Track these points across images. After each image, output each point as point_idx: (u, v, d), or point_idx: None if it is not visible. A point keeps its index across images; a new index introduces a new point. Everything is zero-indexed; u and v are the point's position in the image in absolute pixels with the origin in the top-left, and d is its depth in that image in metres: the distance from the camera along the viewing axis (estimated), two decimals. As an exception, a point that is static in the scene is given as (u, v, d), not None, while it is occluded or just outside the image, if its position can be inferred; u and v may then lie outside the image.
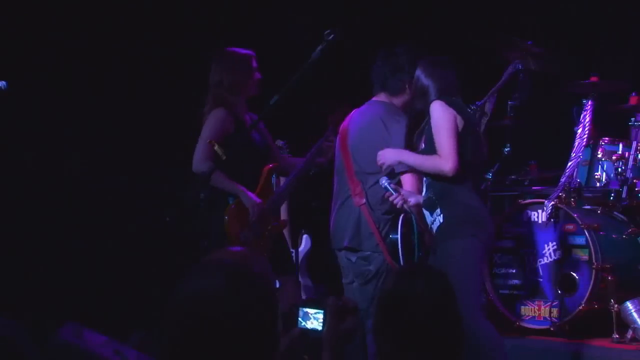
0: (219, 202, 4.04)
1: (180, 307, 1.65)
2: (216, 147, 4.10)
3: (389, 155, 3.69)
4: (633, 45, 5.13)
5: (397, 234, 3.79)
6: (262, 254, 4.00)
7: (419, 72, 3.69)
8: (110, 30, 5.17)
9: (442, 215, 3.60)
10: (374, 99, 4.03)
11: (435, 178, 3.62)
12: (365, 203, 3.85)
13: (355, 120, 3.99)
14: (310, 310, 2.20)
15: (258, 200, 3.99)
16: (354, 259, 3.89)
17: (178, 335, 1.65)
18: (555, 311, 4.49)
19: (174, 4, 5.42)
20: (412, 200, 3.72)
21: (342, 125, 4.05)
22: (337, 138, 4.04)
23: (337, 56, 4.14)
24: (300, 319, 2.21)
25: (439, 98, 3.61)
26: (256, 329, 1.66)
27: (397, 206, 3.69)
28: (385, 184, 3.71)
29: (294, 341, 2.20)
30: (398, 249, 3.77)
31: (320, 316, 2.18)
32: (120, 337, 3.92)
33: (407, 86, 3.90)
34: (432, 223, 3.65)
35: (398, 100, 3.98)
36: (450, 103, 3.60)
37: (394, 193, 3.69)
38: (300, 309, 2.21)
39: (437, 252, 3.62)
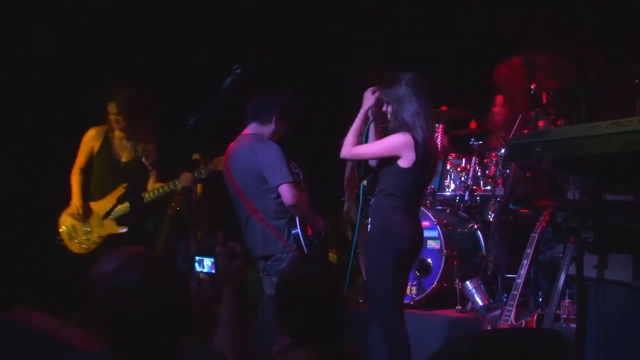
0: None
1: (117, 294, 1.72)
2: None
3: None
4: (473, 80, 5.52)
5: (296, 228, 3.90)
6: None
7: (406, 89, 3.49)
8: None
9: (370, 225, 3.64)
10: (243, 132, 4.05)
11: (378, 190, 3.58)
12: (263, 217, 3.91)
13: (232, 155, 4.02)
14: (204, 258, 2.32)
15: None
16: (269, 262, 3.95)
17: (111, 314, 1.73)
18: (414, 289, 4.76)
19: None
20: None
21: (224, 161, 4.08)
22: (224, 170, 4.07)
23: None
24: (196, 265, 2.33)
25: (407, 130, 3.45)
26: (172, 304, 1.77)
27: None
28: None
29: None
30: (300, 240, 3.88)
31: (212, 262, 2.29)
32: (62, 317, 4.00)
33: (273, 119, 3.97)
34: (368, 225, 3.69)
35: (265, 129, 4.00)
36: (414, 136, 3.45)
37: None
38: (195, 257, 2.33)
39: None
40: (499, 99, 5.35)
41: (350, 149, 3.60)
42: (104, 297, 1.73)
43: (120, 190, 4.38)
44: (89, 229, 4.47)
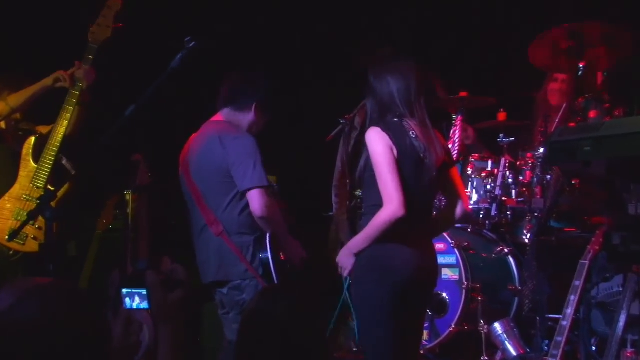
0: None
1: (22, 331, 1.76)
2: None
3: (344, 259, 3.57)
4: (501, 60, 5.55)
5: (266, 252, 3.84)
6: None
7: (395, 66, 3.57)
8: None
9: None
10: (211, 119, 4.11)
11: (366, 206, 3.59)
12: (223, 231, 3.89)
13: (193, 147, 4.06)
14: (133, 290, 2.25)
15: None
16: (225, 291, 3.92)
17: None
18: (425, 333, 4.65)
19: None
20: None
21: (182, 155, 4.12)
22: (180, 168, 4.12)
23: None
24: (126, 300, 2.26)
25: (376, 124, 3.49)
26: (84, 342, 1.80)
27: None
28: None
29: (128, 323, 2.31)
30: (270, 267, 3.82)
31: (144, 294, 2.23)
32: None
33: (252, 106, 4.01)
34: None
35: (241, 117, 4.04)
36: (386, 129, 3.47)
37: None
38: (123, 290, 2.26)
39: None
40: (561, 75, 5.38)
41: (383, 212, 3.43)
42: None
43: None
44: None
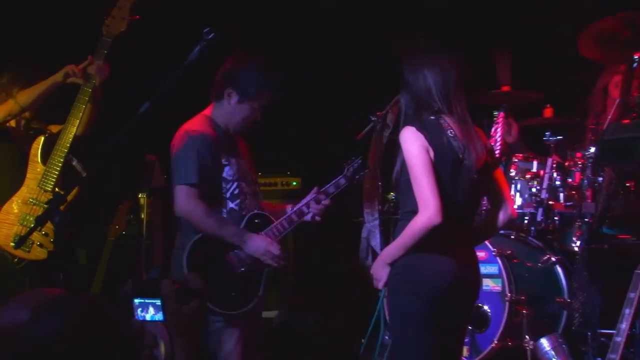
0: None
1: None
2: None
3: (378, 270, 3.52)
4: (547, 53, 5.51)
5: (183, 252, 3.83)
6: None
7: (429, 57, 3.55)
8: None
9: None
10: (201, 112, 4.18)
11: (402, 212, 3.57)
12: (179, 228, 3.99)
13: None
14: (146, 301, 2.25)
15: None
16: None
17: None
18: (465, 349, 4.57)
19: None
20: None
21: None
22: None
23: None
24: (138, 311, 2.26)
25: (411, 123, 3.46)
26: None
27: None
28: None
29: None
30: (183, 268, 3.79)
31: (158, 305, 2.23)
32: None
33: (229, 95, 4.02)
34: None
35: (220, 107, 4.08)
36: (421, 128, 3.43)
37: None
38: (135, 299, 2.25)
39: None
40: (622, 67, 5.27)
41: (418, 219, 3.38)
42: (14, 354, 1.73)
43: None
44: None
